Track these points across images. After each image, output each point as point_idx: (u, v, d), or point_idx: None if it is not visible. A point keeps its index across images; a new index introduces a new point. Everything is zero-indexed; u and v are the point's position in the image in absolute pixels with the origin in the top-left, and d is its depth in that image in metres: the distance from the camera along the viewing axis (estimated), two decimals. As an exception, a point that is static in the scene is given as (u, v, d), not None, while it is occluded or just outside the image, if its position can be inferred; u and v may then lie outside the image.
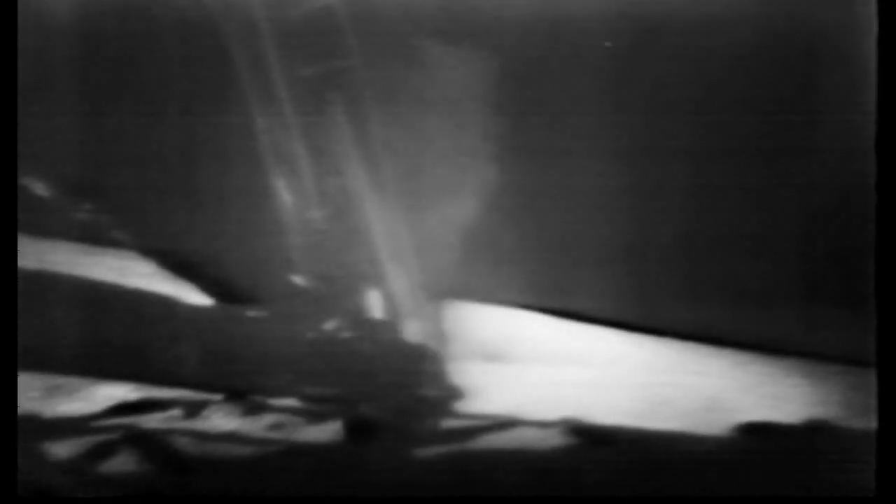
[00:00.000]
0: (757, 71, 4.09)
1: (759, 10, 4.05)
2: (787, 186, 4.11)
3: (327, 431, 4.10)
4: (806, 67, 4.07)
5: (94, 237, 4.36)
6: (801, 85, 4.08)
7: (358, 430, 4.11)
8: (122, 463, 3.97)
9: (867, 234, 3.88)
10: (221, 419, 4.14)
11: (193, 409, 4.16)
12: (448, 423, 4.15)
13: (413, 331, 4.29)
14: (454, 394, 4.25)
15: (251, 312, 4.34)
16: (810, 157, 4.08)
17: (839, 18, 3.99)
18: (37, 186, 4.31)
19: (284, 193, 4.28)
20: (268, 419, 4.14)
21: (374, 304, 4.30)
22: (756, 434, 4.04)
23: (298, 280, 4.32)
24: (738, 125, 4.12)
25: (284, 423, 4.13)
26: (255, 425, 4.13)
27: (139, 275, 4.35)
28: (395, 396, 4.19)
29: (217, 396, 4.20)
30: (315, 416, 4.15)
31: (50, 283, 4.28)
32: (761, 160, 4.12)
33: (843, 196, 4.04)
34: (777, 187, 4.12)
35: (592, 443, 4.04)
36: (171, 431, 4.09)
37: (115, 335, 4.25)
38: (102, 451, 4.00)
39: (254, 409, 4.16)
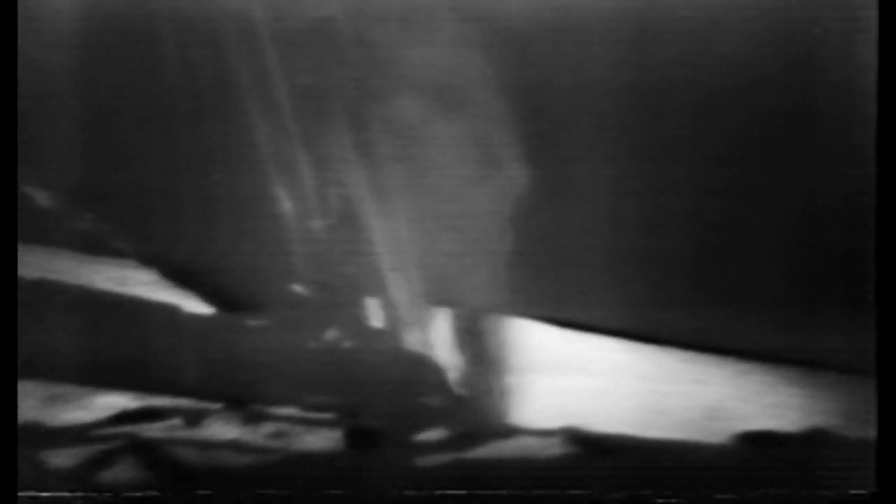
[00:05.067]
0: (758, 75, 4.10)
1: (760, 13, 4.06)
2: (787, 192, 4.12)
3: (328, 440, 4.10)
4: (806, 70, 4.08)
5: (95, 246, 4.35)
6: (802, 88, 4.09)
7: (358, 438, 4.11)
8: (123, 471, 3.97)
9: (868, 241, 3.90)
10: (222, 428, 4.13)
11: (194, 418, 4.16)
12: (448, 432, 4.15)
13: (414, 340, 4.29)
14: (455, 403, 4.24)
15: (252, 321, 4.33)
16: (811, 163, 4.09)
17: (840, 21, 4.01)
18: (37, 195, 4.30)
19: (285, 202, 4.27)
20: (268, 428, 4.14)
21: (376, 314, 4.30)
22: (756, 443, 4.04)
23: (300, 289, 4.31)
24: (738, 130, 4.12)
25: (285, 432, 4.13)
26: (256, 434, 4.13)
27: (140, 283, 4.35)
28: (396, 405, 4.19)
29: (217, 405, 4.19)
30: (315, 425, 4.15)
31: (50, 291, 4.27)
32: (762, 166, 4.13)
33: (844, 202, 4.04)
34: (777, 193, 4.13)
35: (593, 452, 4.04)
36: (171, 440, 4.09)
37: (115, 344, 4.24)
38: (103, 460, 3.99)
39: (254, 418, 4.16)
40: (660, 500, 3.90)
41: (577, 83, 4.18)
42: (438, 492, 3.92)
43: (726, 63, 4.12)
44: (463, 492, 3.93)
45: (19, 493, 3.87)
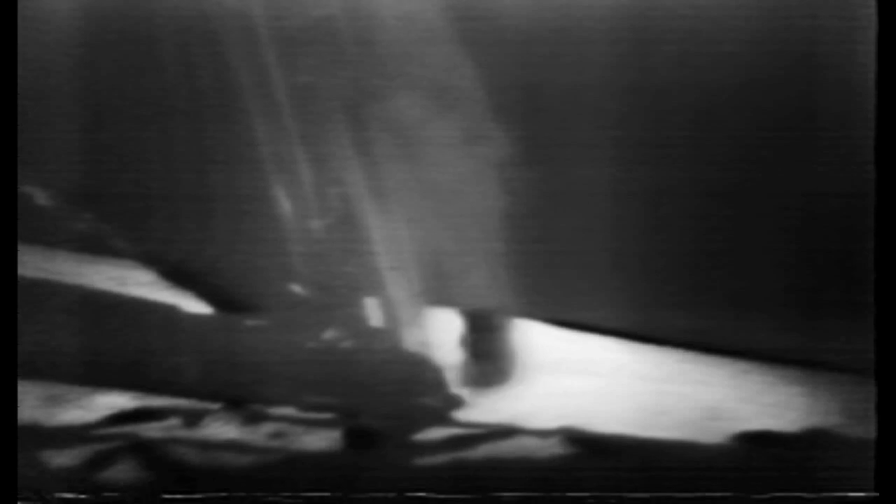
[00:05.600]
0: (757, 77, 4.10)
1: (759, 15, 4.06)
2: (787, 194, 4.12)
3: (326, 440, 4.10)
4: (806, 73, 4.07)
5: (94, 246, 4.36)
6: (801, 91, 4.09)
7: (357, 438, 4.10)
8: (122, 471, 3.97)
9: (867, 243, 3.89)
10: (220, 428, 4.13)
11: (192, 418, 4.15)
12: (447, 432, 4.14)
13: (413, 340, 4.29)
14: (454, 402, 4.24)
15: (251, 321, 4.33)
16: (810, 165, 4.08)
17: (839, 23, 4.00)
18: (37, 195, 4.31)
19: (284, 202, 4.28)
20: (267, 428, 4.14)
21: (375, 313, 4.30)
22: (756, 442, 4.04)
23: (298, 289, 4.32)
24: (738, 132, 4.12)
25: (283, 432, 4.13)
26: (255, 434, 4.12)
27: (139, 284, 4.35)
28: (394, 405, 4.18)
29: (216, 405, 4.19)
30: (314, 425, 4.14)
31: (50, 291, 4.27)
32: (761, 168, 4.13)
33: (843, 204, 4.04)
34: (777, 195, 4.12)
35: (592, 451, 4.03)
36: (170, 440, 4.09)
37: (114, 344, 4.24)
38: (102, 460, 3.99)
39: (253, 418, 4.16)
40: (660, 500, 3.89)
41: (578, 83, 4.18)
42: (437, 491, 3.91)
43: (726, 63, 4.12)
44: (462, 493, 3.92)
45: (19, 496, 3.86)
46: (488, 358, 4.29)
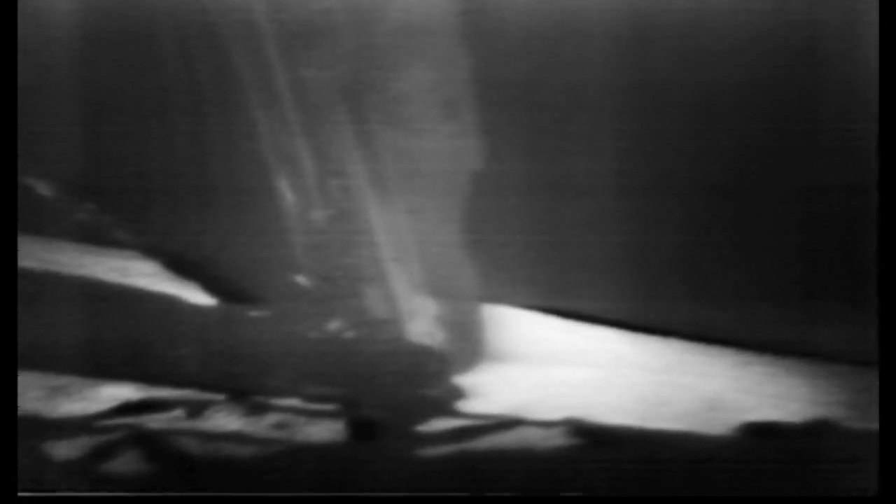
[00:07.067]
0: (758, 72, 4.10)
1: (759, 10, 4.06)
2: (789, 187, 4.12)
3: (329, 431, 4.11)
4: (807, 68, 4.07)
5: (96, 237, 4.36)
6: (803, 86, 4.09)
7: (360, 429, 4.11)
8: (125, 463, 3.97)
9: (869, 234, 3.90)
10: (224, 419, 4.14)
11: (196, 409, 4.16)
12: (450, 423, 4.15)
13: (415, 331, 4.30)
14: (456, 394, 4.25)
15: (254, 313, 4.34)
16: (812, 158, 4.09)
17: (840, 19, 4.00)
18: (38, 186, 4.31)
19: (287, 194, 4.28)
20: (270, 419, 4.15)
21: (377, 305, 4.30)
22: (758, 434, 4.05)
23: (301, 280, 4.32)
24: (739, 126, 4.12)
25: (287, 423, 4.14)
26: (258, 425, 4.13)
27: (141, 275, 4.36)
28: (397, 396, 4.19)
29: (219, 396, 4.20)
30: (317, 416, 4.15)
31: (51, 283, 4.27)
32: (762, 161, 4.13)
33: (846, 196, 4.05)
34: (779, 188, 4.13)
35: (594, 443, 4.04)
36: (173, 431, 4.10)
37: (117, 335, 4.25)
38: (105, 451, 4.00)
39: (256, 409, 4.17)
40: (661, 492, 3.91)
41: (578, 78, 4.18)
42: (439, 482, 3.92)
43: (726, 61, 4.12)
44: (464, 482, 3.93)
45: (19, 494, 3.87)
46: (489, 349, 4.30)
